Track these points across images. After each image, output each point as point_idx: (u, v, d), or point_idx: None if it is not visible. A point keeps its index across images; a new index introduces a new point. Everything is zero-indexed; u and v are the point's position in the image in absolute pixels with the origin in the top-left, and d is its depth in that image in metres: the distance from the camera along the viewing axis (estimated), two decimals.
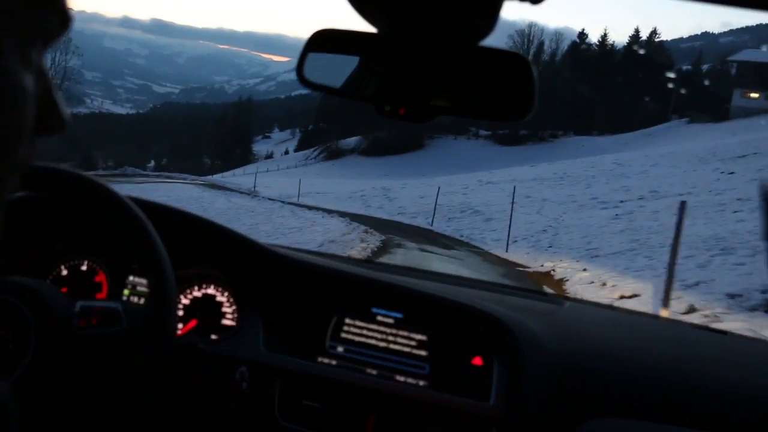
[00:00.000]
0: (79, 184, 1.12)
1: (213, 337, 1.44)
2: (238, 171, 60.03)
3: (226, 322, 1.47)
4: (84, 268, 1.51)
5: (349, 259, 1.81)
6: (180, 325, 1.45)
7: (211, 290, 1.49)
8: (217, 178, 44.56)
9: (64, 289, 1.43)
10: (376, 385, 1.33)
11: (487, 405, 1.28)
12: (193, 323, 1.46)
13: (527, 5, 0.66)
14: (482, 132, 68.48)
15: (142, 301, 1.48)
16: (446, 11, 0.81)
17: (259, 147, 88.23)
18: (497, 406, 1.27)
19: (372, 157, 63.88)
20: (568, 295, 4.14)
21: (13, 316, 1.04)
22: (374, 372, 1.37)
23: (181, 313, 1.47)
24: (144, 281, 1.48)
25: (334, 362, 1.39)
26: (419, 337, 1.40)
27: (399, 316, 1.42)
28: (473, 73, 0.99)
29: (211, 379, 1.33)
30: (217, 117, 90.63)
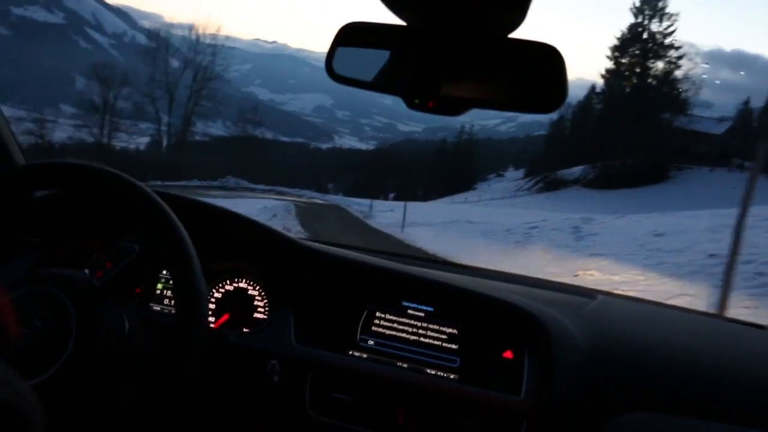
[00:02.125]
0: (109, 180, 1.15)
1: (245, 330, 1.45)
2: (427, 203, 54.49)
3: (257, 315, 1.48)
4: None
5: (380, 252, 1.76)
6: (212, 319, 1.47)
7: (243, 284, 1.51)
8: (354, 200, 39.01)
9: None
10: (407, 379, 1.33)
11: (517, 399, 1.27)
12: (225, 317, 1.47)
13: None
14: (747, 164, 55.03)
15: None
16: (476, 3, 0.82)
17: (492, 185, 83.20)
18: (528, 400, 1.26)
19: (599, 189, 53.29)
20: (599, 288, 2.63)
21: (53, 305, 1.04)
22: (405, 365, 1.37)
23: (213, 306, 1.49)
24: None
25: (364, 355, 1.40)
26: (450, 330, 1.40)
27: (429, 309, 1.43)
28: (504, 64, 0.98)
29: (242, 372, 1.34)
30: (439, 152, 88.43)
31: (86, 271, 1.12)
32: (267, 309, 1.48)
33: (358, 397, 1.34)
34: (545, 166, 62.82)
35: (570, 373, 1.27)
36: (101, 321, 1.06)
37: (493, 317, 1.39)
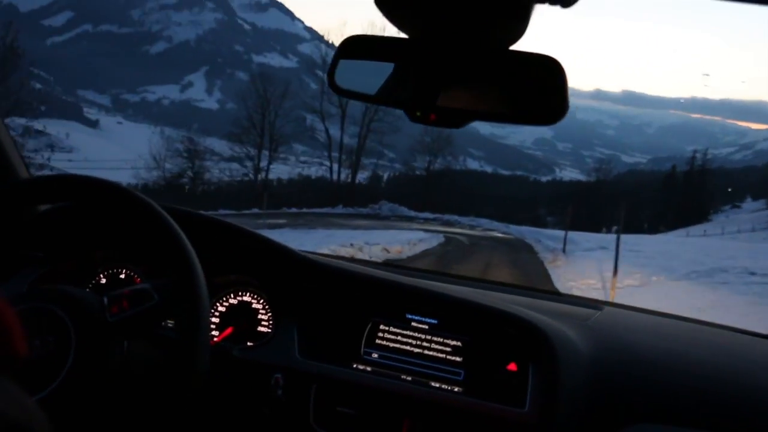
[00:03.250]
0: (114, 194, 1.15)
1: (248, 344, 1.44)
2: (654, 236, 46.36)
3: (261, 329, 1.48)
4: (122, 276, 1.54)
5: (383, 265, 1.79)
6: (216, 333, 1.47)
7: (246, 297, 1.50)
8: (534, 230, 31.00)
9: None
10: (411, 392, 1.33)
11: (522, 411, 1.26)
12: (229, 330, 1.47)
13: (558, 8, 0.69)
14: None
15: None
16: (477, 15, 0.82)
17: (719, 217, 76.11)
18: (532, 412, 1.26)
19: None
20: (604, 301, 2.49)
21: (54, 324, 1.04)
22: (409, 378, 1.36)
23: (217, 320, 1.49)
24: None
25: (368, 369, 1.39)
26: (454, 342, 1.39)
27: (434, 321, 1.42)
28: (505, 76, 0.98)
29: (246, 386, 1.34)
30: (668, 180, 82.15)
31: (105, 299, 1.11)
32: (271, 322, 1.48)
33: (362, 410, 1.33)
34: None
35: (575, 385, 1.26)
36: (103, 352, 1.05)
37: (497, 329, 1.38)
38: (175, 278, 1.12)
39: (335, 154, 42.69)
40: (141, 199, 1.15)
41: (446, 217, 33.77)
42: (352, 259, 1.69)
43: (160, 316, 1.13)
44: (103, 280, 1.54)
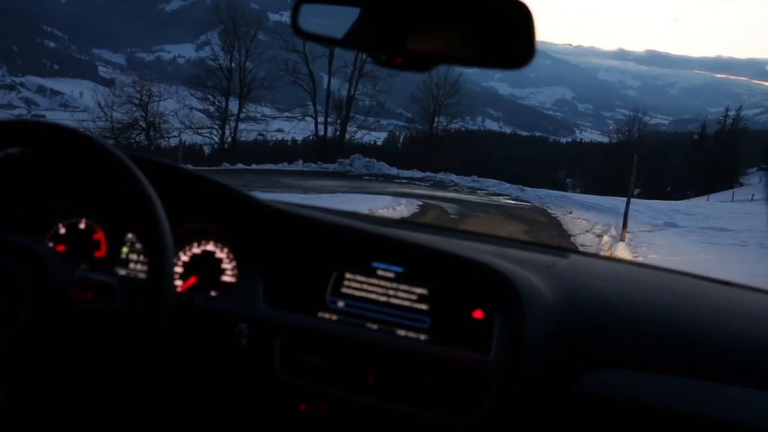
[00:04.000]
0: (73, 140, 1.13)
1: (212, 293, 1.44)
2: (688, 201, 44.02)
3: (225, 278, 1.47)
4: (82, 226, 1.51)
5: (350, 214, 1.75)
6: (179, 283, 1.46)
7: (210, 246, 1.49)
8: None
9: (61, 248, 1.48)
10: (377, 340, 1.33)
11: (487, 358, 1.27)
12: (192, 280, 1.46)
13: None
14: None
15: (140, 258, 1.49)
16: None
17: (752, 179, 74.03)
18: (497, 359, 1.26)
19: None
20: (572, 247, 3.35)
21: (6, 278, 1.03)
22: (375, 326, 1.36)
23: (180, 270, 1.48)
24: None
25: (334, 317, 1.38)
26: (420, 290, 1.39)
27: (399, 270, 1.41)
28: (472, 19, 0.99)
29: (209, 336, 1.33)
30: (697, 142, 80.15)
31: (75, 275, 1.10)
32: (235, 271, 1.46)
33: (328, 359, 1.33)
34: None
35: (540, 332, 1.27)
36: (56, 324, 1.04)
37: (463, 277, 1.38)
38: (122, 190, 1.11)
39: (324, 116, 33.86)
40: (101, 144, 1.13)
41: (439, 176, 26.57)
42: (318, 208, 1.70)
43: (116, 322, 1.11)
44: (62, 230, 1.51)
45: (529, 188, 24.92)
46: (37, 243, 1.11)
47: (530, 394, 1.23)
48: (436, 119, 40.34)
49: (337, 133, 34.79)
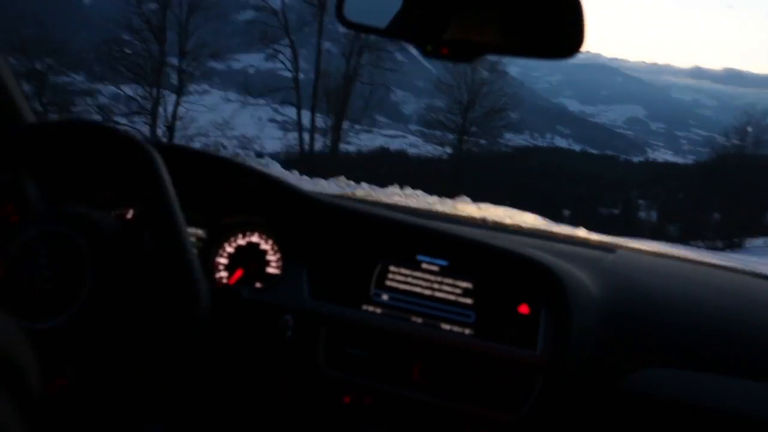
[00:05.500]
0: (115, 139, 1.17)
1: (257, 285, 1.43)
2: None
3: (270, 270, 1.46)
4: (129, 216, 1.53)
5: (394, 206, 1.78)
6: (226, 275, 1.46)
7: (255, 238, 1.48)
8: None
9: None
10: (421, 334, 1.32)
11: (533, 353, 1.26)
12: (239, 273, 1.45)
13: None
14: None
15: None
16: None
17: None
18: (543, 355, 1.25)
19: None
20: (619, 244, 2.48)
21: (68, 250, 1.03)
22: (419, 320, 1.35)
23: (226, 261, 1.47)
24: (194, 231, 1.46)
25: (378, 310, 1.37)
26: (464, 284, 1.37)
27: (444, 263, 1.40)
28: (519, 8, 0.97)
29: (255, 328, 1.33)
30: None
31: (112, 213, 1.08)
32: (280, 264, 1.45)
33: (372, 352, 1.32)
34: None
35: (586, 327, 1.25)
36: (120, 270, 1.04)
37: (508, 271, 1.36)
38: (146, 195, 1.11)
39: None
40: (138, 143, 1.15)
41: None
42: (363, 201, 1.68)
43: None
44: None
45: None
46: (89, 209, 1.11)
47: (576, 390, 1.21)
48: (468, 115, 27.80)
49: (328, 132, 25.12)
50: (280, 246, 1.46)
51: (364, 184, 11.41)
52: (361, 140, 26.68)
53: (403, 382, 1.30)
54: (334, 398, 1.32)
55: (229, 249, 1.48)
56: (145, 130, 21.46)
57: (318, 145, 24.89)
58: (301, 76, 25.83)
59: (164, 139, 19.06)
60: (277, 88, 25.58)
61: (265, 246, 1.47)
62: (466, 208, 10.72)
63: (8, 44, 18.25)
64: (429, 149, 30.23)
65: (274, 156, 23.57)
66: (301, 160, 22.97)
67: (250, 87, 25.63)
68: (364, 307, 1.37)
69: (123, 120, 21.26)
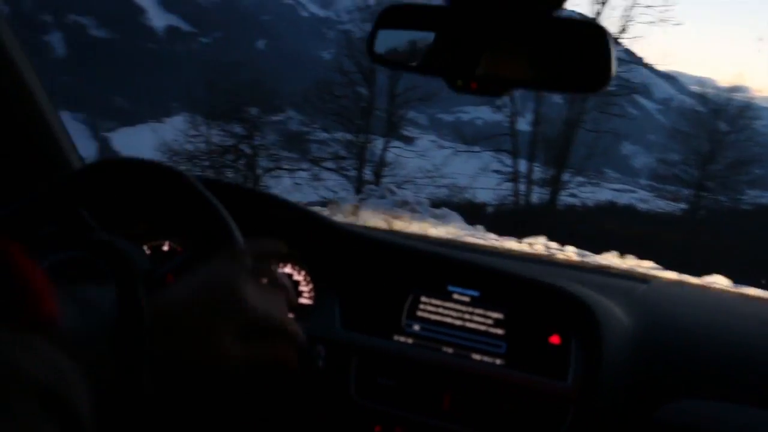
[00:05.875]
0: (149, 170, 1.23)
1: (290, 315, 1.43)
2: None
3: (302, 300, 1.50)
4: (166, 248, 1.56)
5: (425, 237, 1.80)
6: None
7: (287, 269, 1.52)
8: None
9: None
10: (453, 364, 1.33)
11: (564, 384, 1.26)
12: None
13: None
14: None
15: None
16: None
17: None
18: (575, 386, 1.25)
19: None
20: (652, 274, 2.92)
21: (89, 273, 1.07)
22: (450, 350, 1.36)
23: None
24: None
25: (410, 341, 1.39)
26: (496, 315, 1.38)
27: (475, 294, 1.41)
28: (548, 43, 0.98)
29: None
30: None
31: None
32: (312, 294, 1.49)
33: (404, 382, 1.34)
34: None
35: (618, 359, 1.24)
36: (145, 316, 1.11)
37: (539, 301, 1.36)
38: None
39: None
40: (172, 169, 1.21)
41: None
42: (394, 232, 1.67)
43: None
44: (148, 252, 1.57)
45: None
46: (122, 241, 1.14)
47: (608, 421, 1.21)
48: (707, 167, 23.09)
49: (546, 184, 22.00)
50: (313, 277, 1.49)
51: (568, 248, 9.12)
52: (583, 192, 24.54)
53: (433, 412, 1.31)
54: (365, 427, 1.34)
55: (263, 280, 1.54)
56: (352, 174, 21.49)
57: (534, 197, 23.30)
58: (522, 124, 24.73)
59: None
60: (494, 134, 24.44)
61: (298, 277, 1.50)
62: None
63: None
64: (660, 204, 26.82)
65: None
66: (514, 212, 21.45)
67: (465, 134, 24.76)
68: (396, 337, 1.39)
69: (330, 165, 21.31)
